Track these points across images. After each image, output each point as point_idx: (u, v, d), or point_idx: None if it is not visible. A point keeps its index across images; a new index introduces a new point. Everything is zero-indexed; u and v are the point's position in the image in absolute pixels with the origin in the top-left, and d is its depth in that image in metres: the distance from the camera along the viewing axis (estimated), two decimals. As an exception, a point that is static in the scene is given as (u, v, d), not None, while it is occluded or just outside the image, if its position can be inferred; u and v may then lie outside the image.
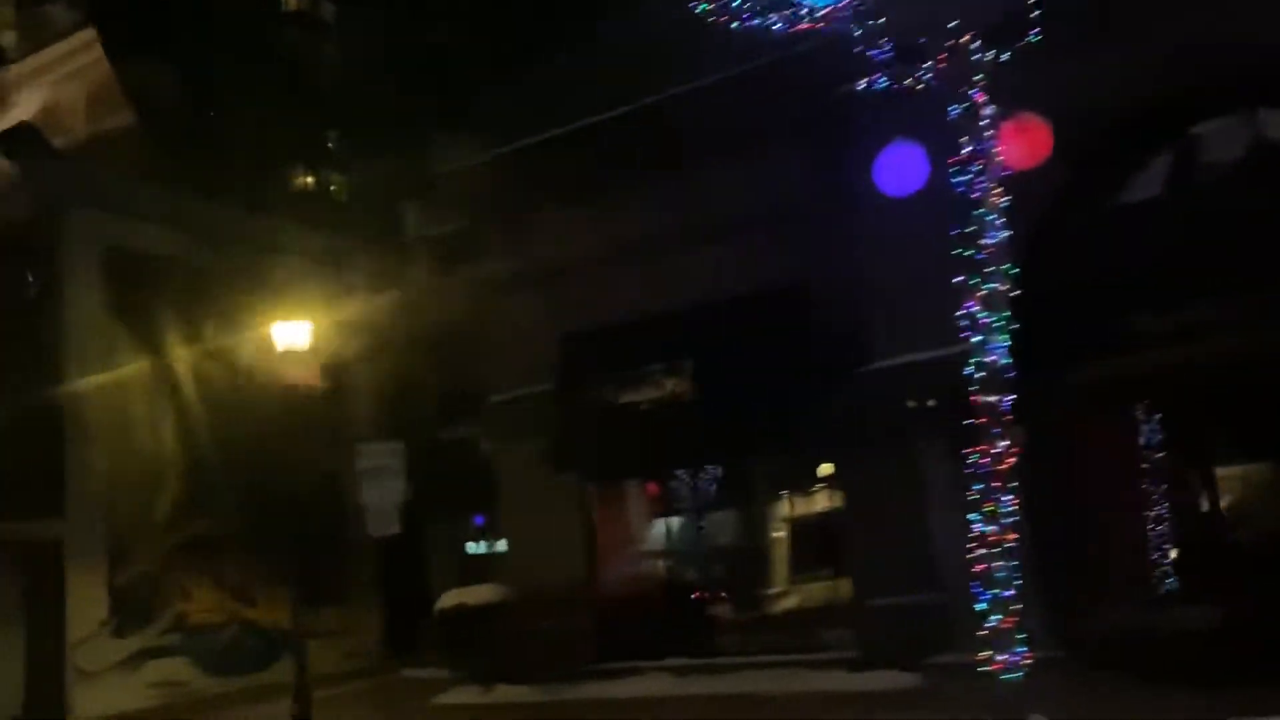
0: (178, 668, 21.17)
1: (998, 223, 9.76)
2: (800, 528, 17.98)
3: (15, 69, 24.22)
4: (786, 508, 18.64)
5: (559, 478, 16.67)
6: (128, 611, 20.71)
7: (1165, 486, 13.73)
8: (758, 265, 15.68)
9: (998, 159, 9.71)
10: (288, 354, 14.91)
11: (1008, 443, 9.41)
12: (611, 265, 16.61)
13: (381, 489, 17.59)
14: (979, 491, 9.46)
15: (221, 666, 21.69)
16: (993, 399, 9.45)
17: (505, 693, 16.56)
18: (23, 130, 20.96)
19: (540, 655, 16.50)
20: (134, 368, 21.12)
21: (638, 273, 16.43)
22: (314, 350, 15.15)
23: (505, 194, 18.33)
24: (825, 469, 17.06)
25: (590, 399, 16.80)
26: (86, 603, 20.26)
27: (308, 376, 15.13)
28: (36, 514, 20.49)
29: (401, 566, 24.10)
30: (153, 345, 21.58)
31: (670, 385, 16.16)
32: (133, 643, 20.69)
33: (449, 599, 18.20)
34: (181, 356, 21.63)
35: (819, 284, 15.12)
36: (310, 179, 28.16)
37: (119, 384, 20.90)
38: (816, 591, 16.98)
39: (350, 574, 24.33)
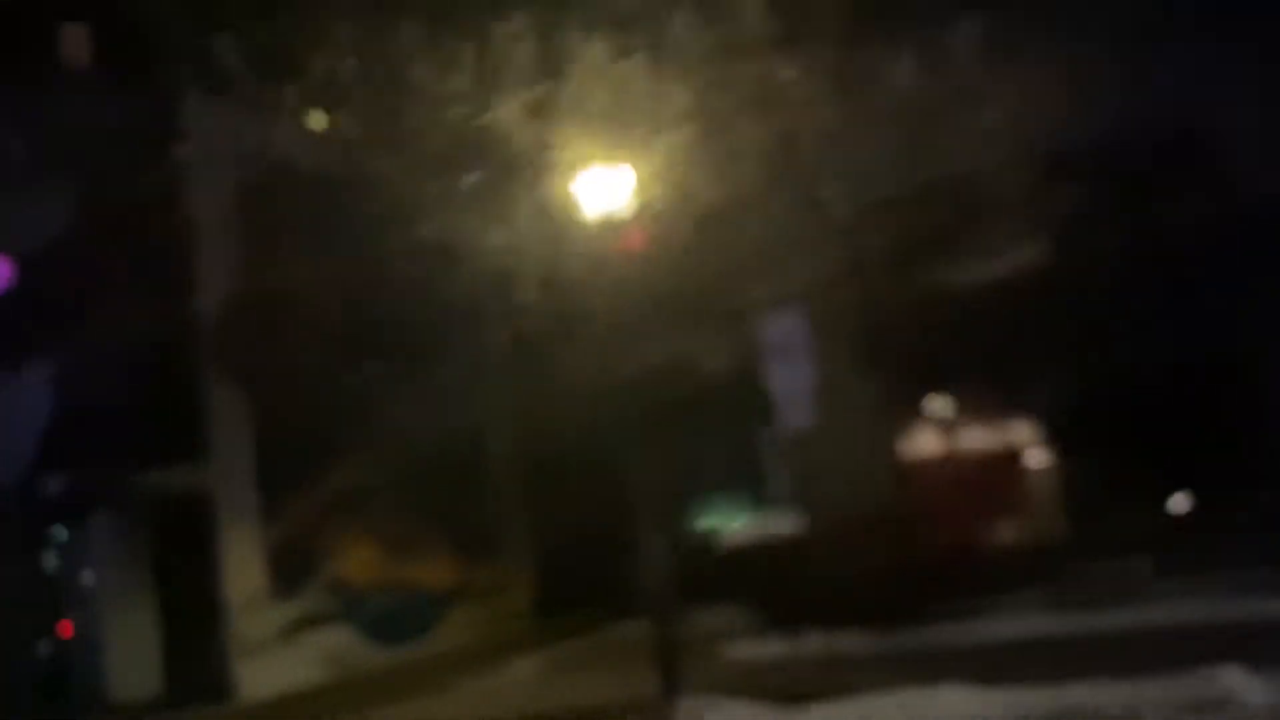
0: (338, 637, 17.85)
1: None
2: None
3: None
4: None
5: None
6: (285, 573, 17.32)
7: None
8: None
9: None
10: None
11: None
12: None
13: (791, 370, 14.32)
14: None
15: (382, 634, 18.44)
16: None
17: (823, 642, 13.92)
18: None
19: (865, 596, 13.93)
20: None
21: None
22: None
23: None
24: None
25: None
26: (243, 562, 16.84)
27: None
28: (175, 460, 16.94)
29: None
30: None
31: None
32: (292, 608, 17.32)
33: (738, 533, 15.41)
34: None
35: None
36: None
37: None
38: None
39: (502, 520, 21.26)
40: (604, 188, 11.52)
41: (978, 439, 17.56)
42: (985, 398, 17.43)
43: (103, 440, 16.41)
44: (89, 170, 16.84)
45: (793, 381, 14.68)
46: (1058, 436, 17.67)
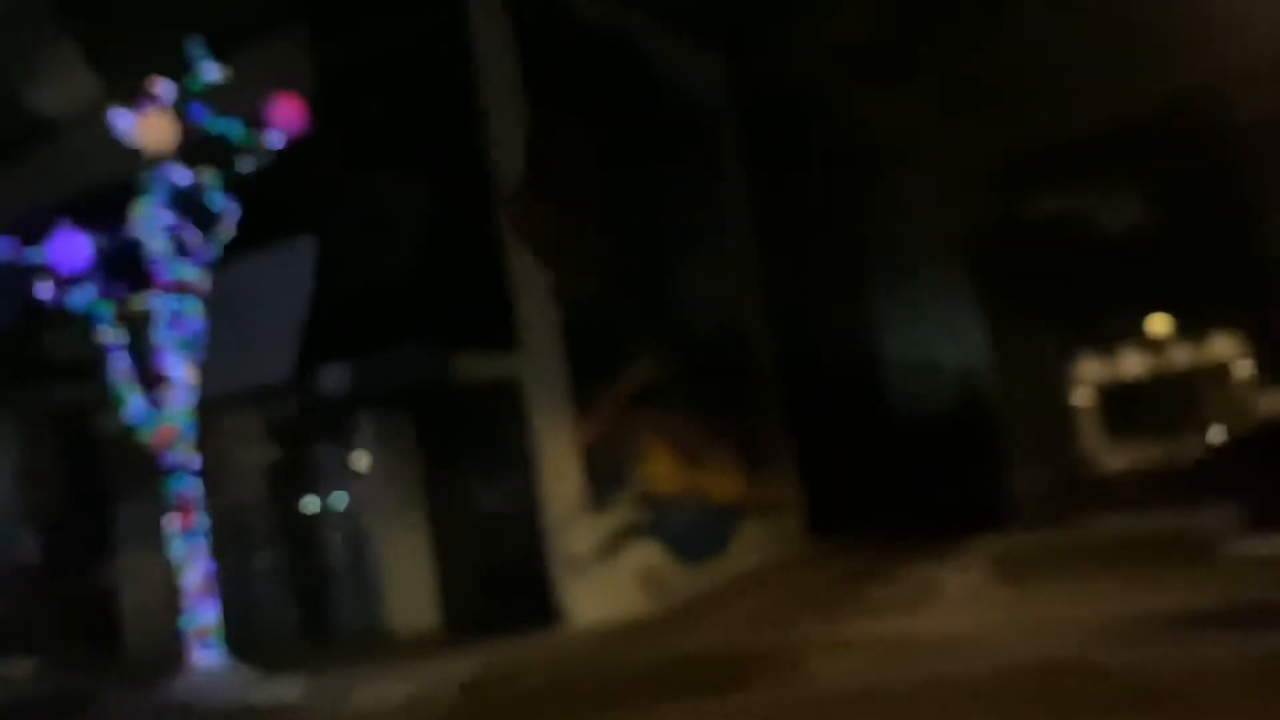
0: (651, 553, 15.17)
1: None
2: None
3: None
4: None
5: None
6: (600, 478, 14.59)
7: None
8: None
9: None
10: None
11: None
12: None
13: None
14: None
15: (687, 550, 15.78)
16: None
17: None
18: None
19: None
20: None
21: None
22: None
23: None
24: None
25: None
26: (560, 466, 14.08)
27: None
28: (482, 346, 14.15)
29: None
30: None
31: None
32: (608, 519, 14.60)
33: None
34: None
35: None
36: None
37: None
38: None
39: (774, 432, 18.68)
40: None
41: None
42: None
43: (404, 324, 13.59)
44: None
45: None
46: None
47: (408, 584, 14.86)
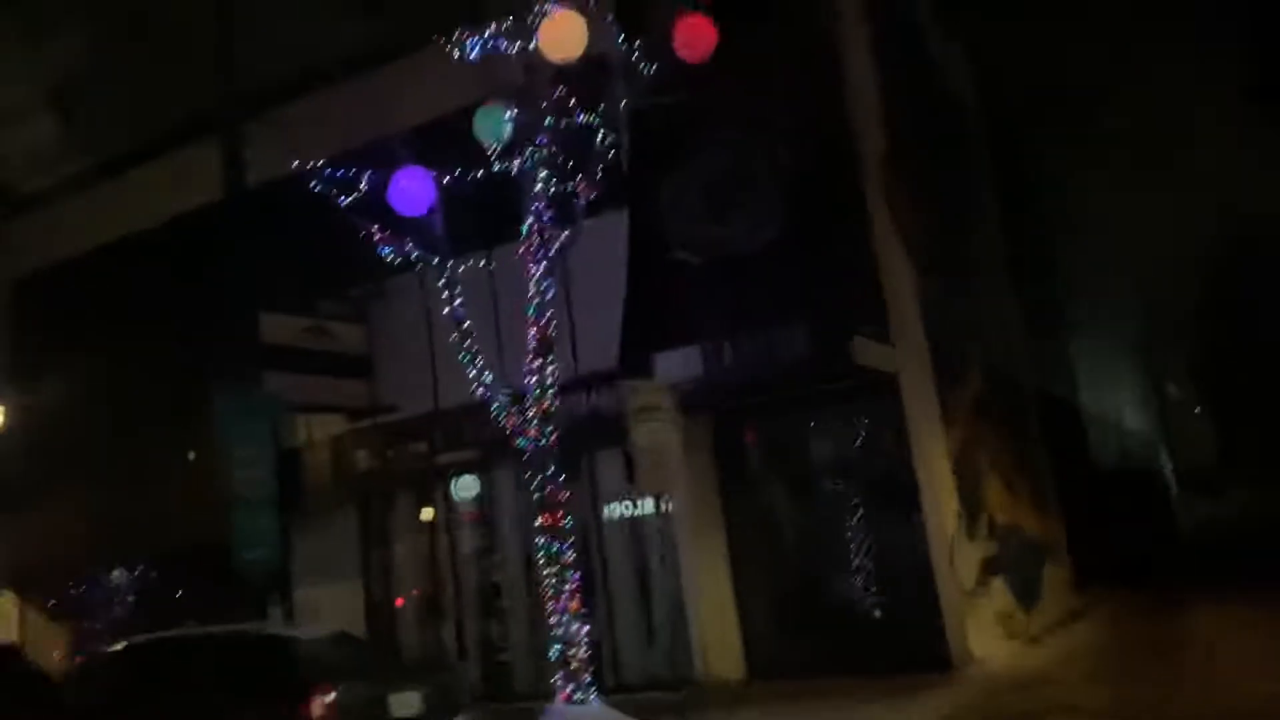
0: (1001, 591, 12.88)
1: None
2: None
3: None
4: None
5: None
6: (964, 497, 12.35)
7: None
8: None
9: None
10: None
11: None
12: None
13: None
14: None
15: (1022, 589, 13.53)
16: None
17: None
18: None
19: None
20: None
21: None
22: None
23: None
24: None
25: None
26: (937, 480, 11.82)
27: None
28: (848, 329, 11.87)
29: None
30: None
31: None
32: (977, 548, 12.32)
33: None
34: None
35: None
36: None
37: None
38: None
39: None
40: None
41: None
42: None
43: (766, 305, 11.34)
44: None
45: None
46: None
47: (719, 619, 12.28)
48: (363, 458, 14.99)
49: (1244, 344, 46.52)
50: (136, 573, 17.45)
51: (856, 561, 11.70)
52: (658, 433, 9.34)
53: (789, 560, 12.36)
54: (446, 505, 14.64)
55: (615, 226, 12.34)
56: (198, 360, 15.00)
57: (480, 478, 14.32)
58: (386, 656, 12.96)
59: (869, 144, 11.99)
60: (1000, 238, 17.21)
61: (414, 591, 14.90)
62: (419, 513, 14.99)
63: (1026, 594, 13.22)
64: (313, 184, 10.23)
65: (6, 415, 15.08)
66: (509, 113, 10.24)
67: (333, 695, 7.25)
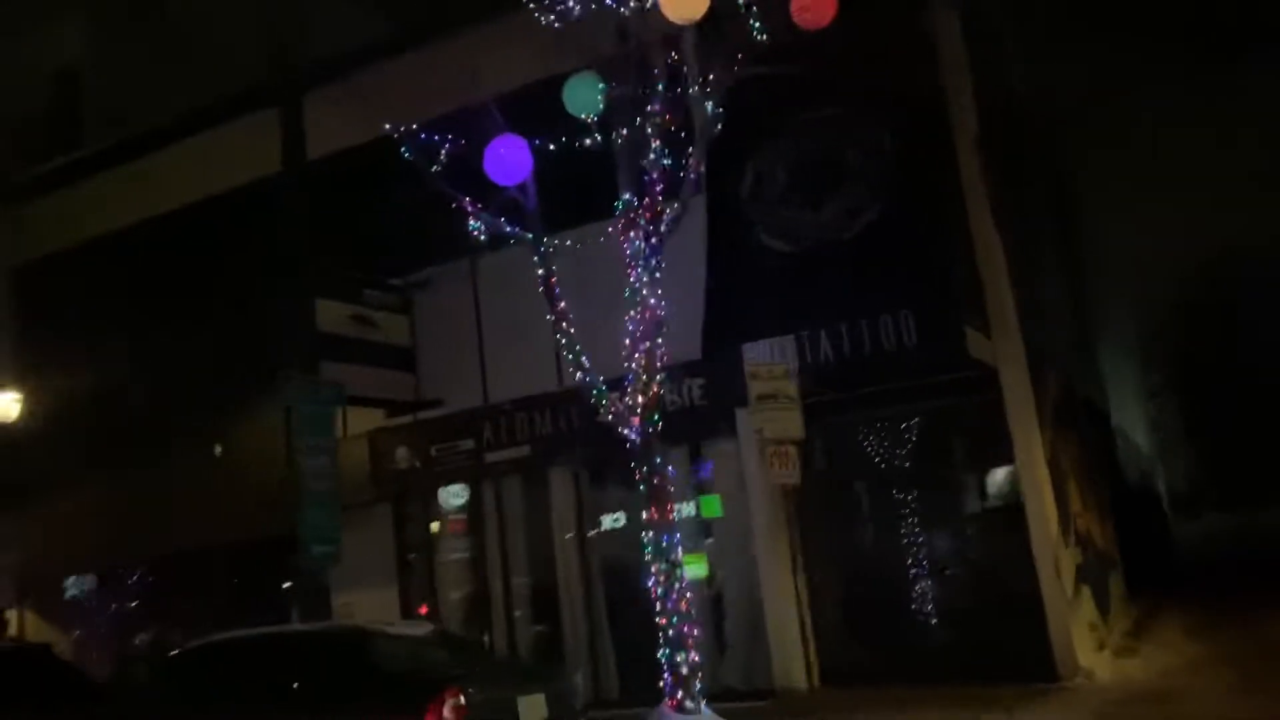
0: (1089, 600, 12.34)
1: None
2: None
3: None
4: None
5: None
6: (1058, 502, 11.80)
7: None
8: None
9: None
10: None
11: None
12: None
13: None
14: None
15: (1100, 599, 12.99)
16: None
17: None
18: None
19: None
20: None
21: None
22: None
23: None
24: None
25: None
26: (1038, 483, 11.26)
27: None
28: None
29: None
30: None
31: None
32: (1071, 554, 11.76)
33: None
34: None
35: None
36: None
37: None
38: None
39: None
40: None
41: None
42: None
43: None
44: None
45: None
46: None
47: (793, 625, 11.62)
48: (403, 454, 14.18)
49: (1225, 373, 46.99)
50: (137, 574, 16.46)
51: (944, 567, 11.03)
52: (782, 420, 8.64)
53: (868, 563, 11.71)
54: (496, 505, 13.81)
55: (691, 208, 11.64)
56: (241, 345, 14.20)
57: (534, 476, 13.53)
58: (503, 657, 12.12)
59: (964, 128, 11.42)
60: (1054, 238, 16.81)
61: (423, 609, 14.07)
62: (463, 513, 14.17)
63: (1102, 603, 12.68)
64: (401, 150, 9.44)
65: (31, 403, 14.02)
66: (601, 84, 9.57)
67: (462, 697, 6.46)
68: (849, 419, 11.60)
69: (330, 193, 13.39)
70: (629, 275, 9.63)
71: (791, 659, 11.58)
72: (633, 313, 9.45)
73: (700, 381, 12.09)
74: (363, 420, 14.53)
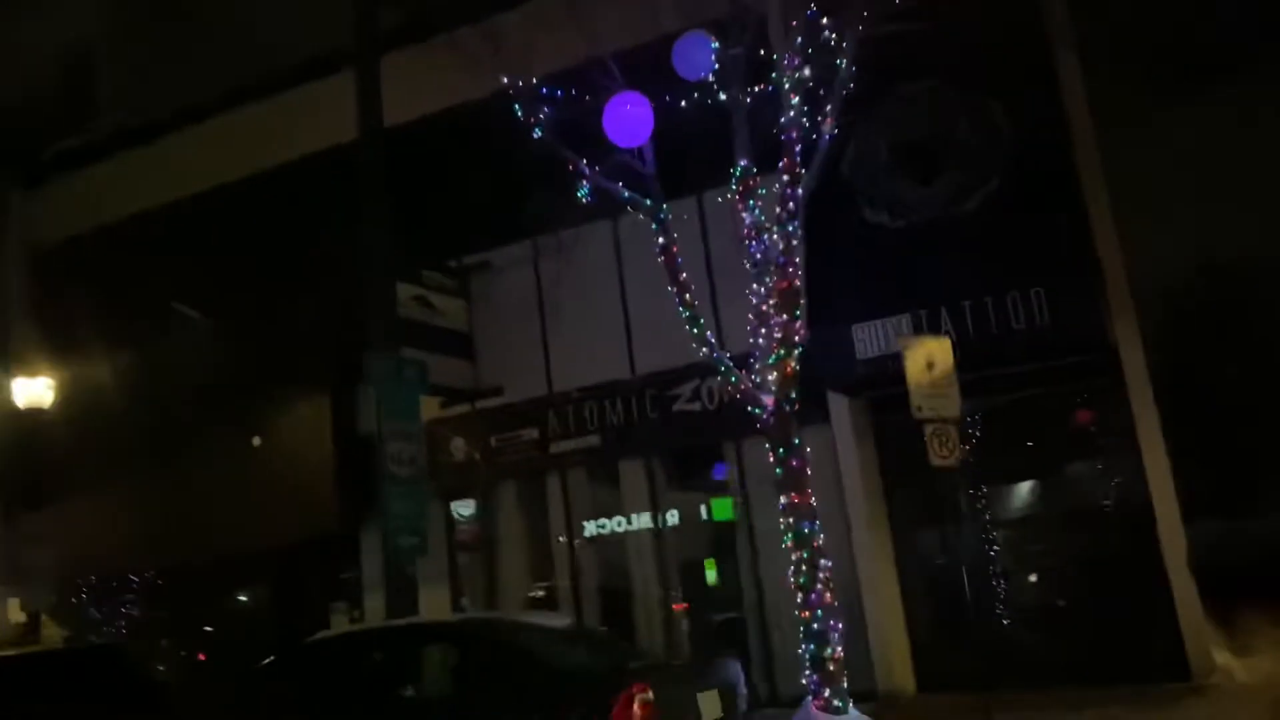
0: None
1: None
2: None
3: None
4: None
5: None
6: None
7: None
8: None
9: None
10: None
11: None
12: None
13: None
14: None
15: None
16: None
17: None
18: None
19: None
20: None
21: None
22: None
23: None
24: None
25: None
26: (1164, 472, 10.65)
27: None
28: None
29: None
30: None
31: None
32: (1186, 548, 11.10)
33: None
34: None
35: None
36: None
37: None
38: None
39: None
40: None
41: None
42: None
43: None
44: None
45: None
46: None
47: (892, 625, 10.93)
48: (459, 446, 13.35)
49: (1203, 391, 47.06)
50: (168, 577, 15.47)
51: (1056, 562, 10.38)
52: (942, 398, 7.95)
53: (971, 560, 10.99)
54: (564, 498, 13.02)
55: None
56: (287, 331, 13.34)
57: (603, 467, 12.78)
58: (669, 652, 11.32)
59: (1075, 101, 10.82)
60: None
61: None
62: (526, 507, 13.37)
63: (1205, 600, 12.04)
64: (515, 108, 8.68)
65: (64, 389, 13.00)
66: (714, 43, 8.88)
67: (650, 693, 5.69)
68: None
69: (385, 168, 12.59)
70: (749, 246, 8.91)
71: (894, 660, 10.88)
72: (756, 285, 8.72)
73: (788, 366, 11.37)
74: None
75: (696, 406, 12.12)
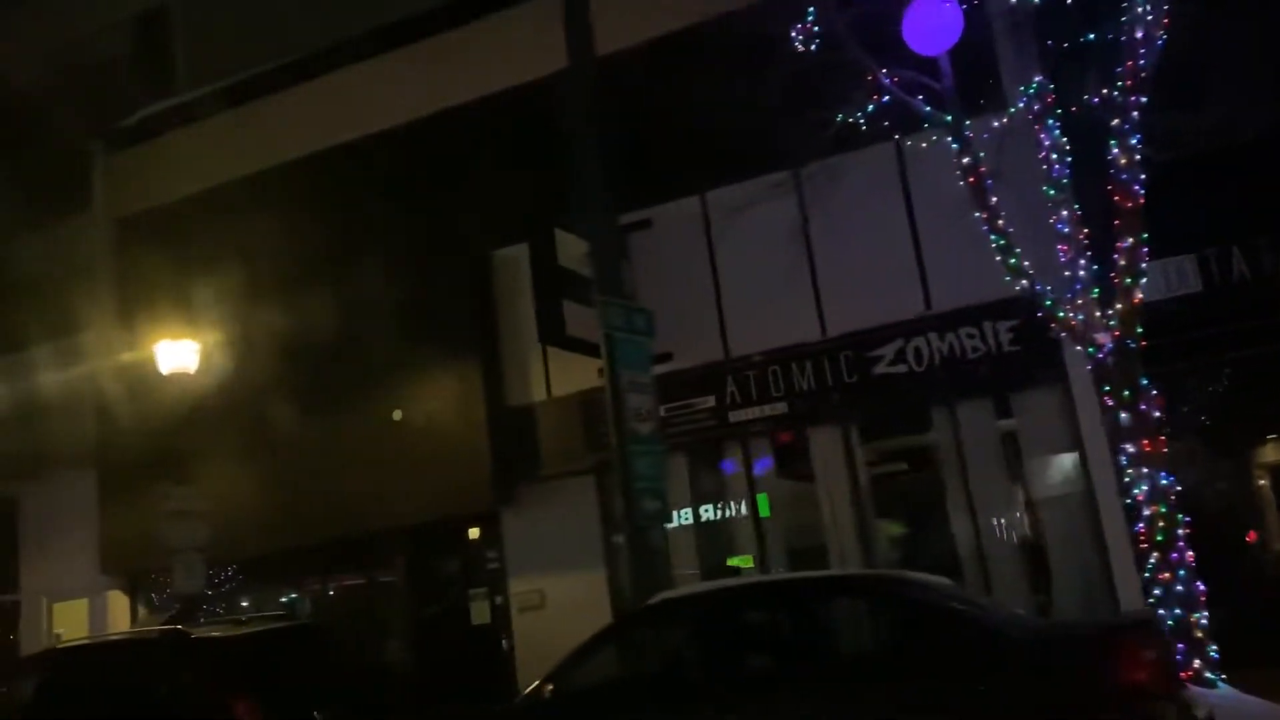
0: None
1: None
2: None
3: None
4: None
5: None
6: None
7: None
8: None
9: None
10: None
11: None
12: None
13: None
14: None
15: None
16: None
17: None
18: None
19: None
20: None
21: None
22: None
23: None
24: None
25: None
26: None
27: None
28: None
29: None
30: None
31: None
32: None
33: None
34: None
35: None
36: None
37: None
38: None
39: None
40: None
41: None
42: None
43: None
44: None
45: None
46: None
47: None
48: (619, 415, 12.08)
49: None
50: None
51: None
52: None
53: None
54: (745, 469, 11.85)
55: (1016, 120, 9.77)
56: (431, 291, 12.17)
57: (795, 437, 11.64)
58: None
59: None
60: None
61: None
62: (700, 482, 12.19)
63: None
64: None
65: (216, 351, 11.67)
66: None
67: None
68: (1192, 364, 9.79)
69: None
70: (1052, 170, 7.80)
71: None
72: (1064, 211, 7.61)
73: (1010, 324, 10.30)
74: (569, 379, 12.52)
75: (902, 369, 11.01)
